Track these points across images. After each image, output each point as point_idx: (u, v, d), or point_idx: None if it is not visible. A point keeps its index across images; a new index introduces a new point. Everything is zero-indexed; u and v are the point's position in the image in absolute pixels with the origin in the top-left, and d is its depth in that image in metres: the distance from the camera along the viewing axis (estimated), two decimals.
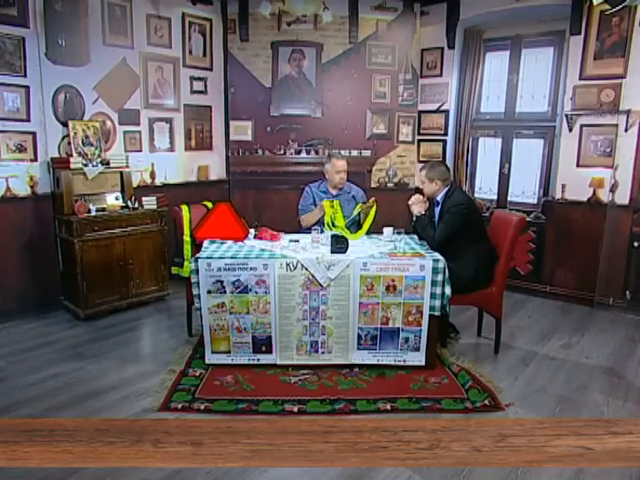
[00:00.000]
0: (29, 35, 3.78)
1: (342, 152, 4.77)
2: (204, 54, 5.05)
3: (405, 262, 2.94)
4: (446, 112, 5.15)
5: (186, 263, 3.42)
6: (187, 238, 3.48)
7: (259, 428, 0.95)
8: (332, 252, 3.01)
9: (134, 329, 3.80)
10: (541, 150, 4.80)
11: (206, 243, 3.28)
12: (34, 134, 3.91)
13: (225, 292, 2.97)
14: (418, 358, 3.05)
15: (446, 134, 5.19)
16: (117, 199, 4.17)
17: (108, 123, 4.37)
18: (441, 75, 5.13)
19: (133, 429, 0.94)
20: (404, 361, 3.05)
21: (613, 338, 3.68)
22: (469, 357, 3.27)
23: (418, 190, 3.85)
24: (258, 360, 3.07)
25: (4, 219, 3.82)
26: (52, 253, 4.08)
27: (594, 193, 4.26)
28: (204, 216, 3.48)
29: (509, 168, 4.97)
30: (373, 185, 5.22)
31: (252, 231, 3.53)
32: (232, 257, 2.97)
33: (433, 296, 2.95)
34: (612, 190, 4.17)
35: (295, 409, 2.63)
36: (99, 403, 2.70)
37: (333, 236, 3.08)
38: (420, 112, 5.27)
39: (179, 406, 2.65)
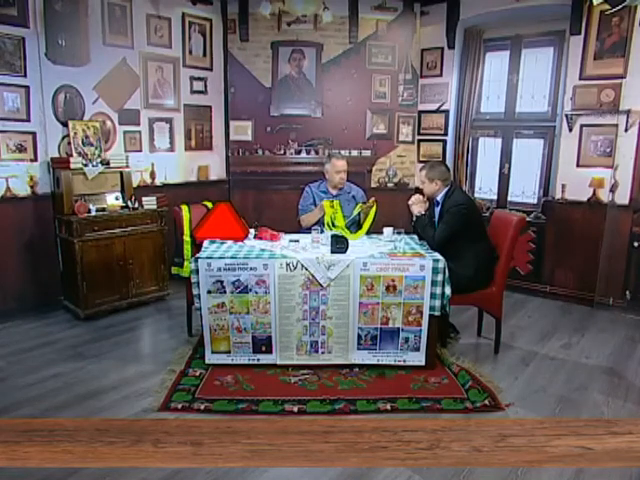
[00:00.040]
0: (29, 35, 3.78)
1: (342, 152, 4.77)
2: (204, 54, 5.05)
3: (405, 262, 2.94)
4: (446, 112, 5.15)
5: (186, 263, 3.42)
6: (187, 238, 3.49)
7: (259, 428, 0.95)
8: (332, 252, 3.01)
9: (134, 329, 3.80)
10: (541, 150, 4.80)
11: (206, 243, 3.29)
12: (34, 134, 3.91)
13: (225, 292, 2.97)
14: (418, 358, 3.05)
15: (446, 134, 5.19)
16: (117, 199, 4.17)
17: (108, 123, 4.37)
18: (441, 75, 5.13)
19: (133, 429, 0.94)
20: (404, 361, 3.06)
21: (613, 338, 3.68)
22: (469, 357, 3.27)
23: (418, 190, 3.85)
24: (258, 360, 3.07)
25: (4, 219, 3.82)
26: (52, 253, 4.08)
27: (594, 193, 4.26)
28: (204, 216, 3.48)
29: (509, 168, 4.97)
30: (373, 185, 5.22)
31: (252, 231, 3.53)
32: (232, 257, 2.97)
33: (433, 296, 2.95)
34: (612, 190, 4.17)
35: (295, 409, 2.63)
36: (99, 403, 2.70)
37: (333, 236, 3.08)
38: (420, 112, 5.27)
39: (179, 406, 2.65)
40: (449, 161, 5.17)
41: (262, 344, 3.05)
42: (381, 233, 3.47)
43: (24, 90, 3.81)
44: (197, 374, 2.99)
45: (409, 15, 5.02)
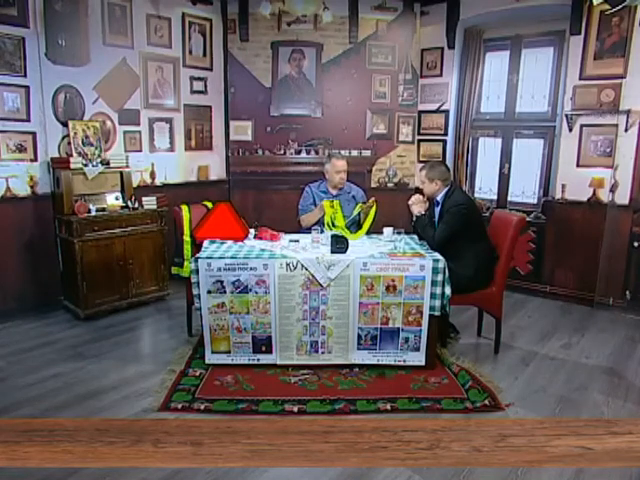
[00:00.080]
0: (29, 35, 3.78)
1: (342, 152, 4.77)
2: (204, 54, 5.05)
3: (405, 262, 2.94)
4: (446, 112, 5.15)
5: (186, 263, 3.42)
6: (187, 238, 3.49)
7: (259, 428, 0.95)
8: (332, 252, 3.01)
9: (134, 329, 3.80)
10: (541, 150, 4.80)
11: (206, 243, 3.29)
12: (34, 134, 3.91)
13: (225, 292, 2.97)
14: (418, 358, 3.05)
15: (446, 134, 5.19)
16: (117, 199, 4.17)
17: (108, 123, 4.37)
18: (441, 75, 5.13)
19: (133, 429, 0.94)
20: (404, 361, 3.05)
21: (613, 338, 3.68)
22: (469, 357, 3.27)
23: (418, 190, 3.85)
24: (258, 360, 3.07)
25: (4, 219, 3.82)
26: (52, 253, 4.08)
27: (594, 193, 4.26)
28: (204, 216, 3.48)
29: (509, 168, 4.97)
30: (373, 185, 5.22)
31: (252, 231, 3.53)
32: (232, 257, 2.97)
33: (433, 296, 2.95)
34: (612, 190, 4.17)
35: (295, 409, 2.63)
36: (99, 403, 2.70)
37: (333, 236, 3.08)
38: (420, 112, 5.27)
39: (179, 406, 2.65)
40: (449, 161, 5.17)
41: (262, 344, 3.05)
42: (381, 233, 3.47)
43: (24, 90, 3.81)
44: (197, 374, 2.99)
45: (409, 15, 5.02)
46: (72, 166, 3.85)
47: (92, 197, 4.01)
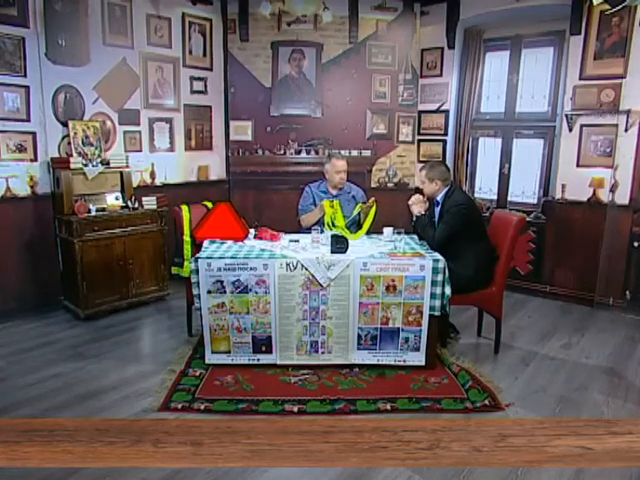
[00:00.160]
0: (29, 35, 3.78)
1: (342, 152, 4.77)
2: (204, 54, 5.05)
3: (405, 262, 2.94)
4: (446, 112, 5.15)
5: (186, 263, 3.42)
6: (187, 238, 3.49)
7: (259, 428, 0.95)
8: (332, 252, 3.01)
9: (134, 329, 3.80)
10: (541, 150, 4.80)
11: (206, 243, 3.29)
12: (34, 134, 3.91)
13: (225, 292, 2.97)
14: (418, 358, 3.05)
15: (446, 134, 5.19)
16: (117, 199, 4.17)
17: (108, 123, 4.37)
18: (441, 75, 5.13)
19: (133, 429, 0.94)
20: (404, 361, 3.05)
21: (613, 338, 3.68)
22: (469, 357, 3.27)
23: (418, 190, 3.85)
24: (258, 360, 3.07)
25: (4, 219, 3.82)
26: (52, 253, 4.08)
27: (594, 193, 4.26)
28: (204, 216, 3.48)
29: (509, 168, 4.97)
30: (373, 185, 5.22)
31: (252, 231, 3.53)
32: (232, 257, 2.97)
33: (433, 296, 2.95)
34: (612, 190, 4.17)
35: (295, 409, 2.63)
36: (99, 403, 2.70)
37: (333, 236, 3.08)
38: (420, 112, 5.27)
39: (179, 406, 2.65)
40: (449, 161, 5.17)
41: (262, 344, 3.05)
42: (381, 233, 3.47)
43: (24, 90, 3.81)
44: (197, 374, 2.99)
45: (409, 15, 5.02)
46: (72, 166, 3.85)
47: (92, 197, 4.01)
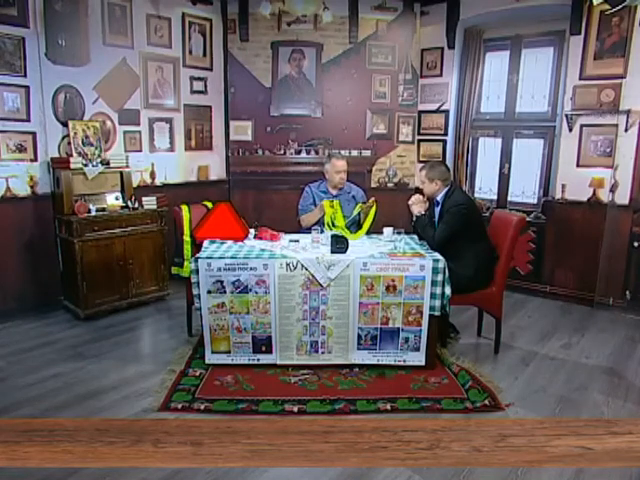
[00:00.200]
0: (29, 35, 3.78)
1: (342, 152, 4.77)
2: (204, 54, 5.05)
3: (405, 262, 2.94)
4: (446, 112, 5.15)
5: (186, 263, 3.42)
6: (187, 238, 3.49)
7: (259, 428, 0.95)
8: (332, 252, 3.01)
9: (134, 329, 3.80)
10: (541, 150, 4.80)
11: (206, 243, 3.29)
12: (34, 134, 3.91)
13: (225, 292, 2.97)
14: (418, 358, 3.05)
15: (446, 134, 5.19)
16: (117, 199, 4.17)
17: (108, 123, 4.37)
18: (441, 75, 5.13)
19: (133, 429, 0.94)
20: (404, 361, 3.05)
21: (613, 338, 3.68)
22: (469, 357, 3.27)
23: (418, 190, 3.85)
24: (258, 360, 3.07)
25: (4, 219, 3.82)
26: (52, 253, 4.08)
27: (594, 193, 4.26)
28: (204, 216, 3.48)
29: (509, 168, 4.97)
30: (373, 185, 5.22)
31: (252, 231, 3.53)
32: (232, 257, 2.97)
33: (433, 296, 2.95)
34: (612, 190, 4.17)
35: (295, 409, 2.63)
36: (99, 403, 2.70)
37: (333, 236, 3.08)
38: (420, 112, 5.27)
39: (179, 406, 2.65)
40: (449, 161, 5.17)
41: (262, 344, 3.05)
42: (381, 233, 3.47)
43: (24, 90, 3.81)
44: (197, 374, 2.99)
45: (409, 15, 5.02)
46: (72, 166, 3.85)
47: (92, 197, 4.01)
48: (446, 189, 3.34)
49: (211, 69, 5.12)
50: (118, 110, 4.43)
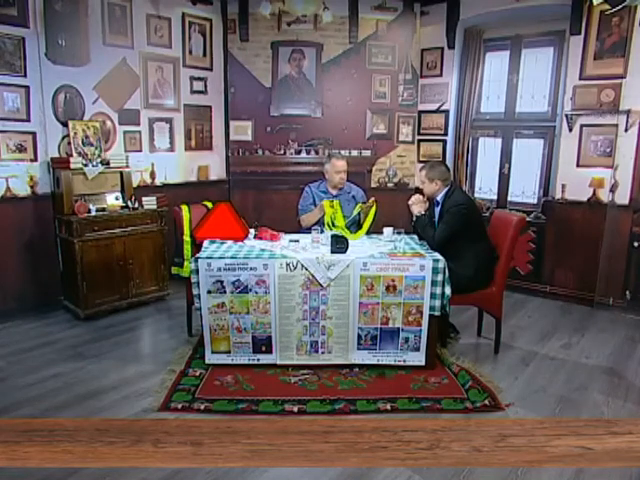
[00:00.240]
0: (29, 35, 3.78)
1: (342, 152, 4.77)
2: (204, 54, 5.05)
3: (405, 262, 2.94)
4: (446, 112, 5.15)
5: (186, 263, 3.42)
6: (187, 238, 3.49)
7: (259, 428, 0.95)
8: (332, 252, 3.01)
9: (134, 329, 3.80)
10: (541, 150, 4.80)
11: (206, 243, 3.29)
12: (34, 134, 3.91)
13: (225, 292, 2.97)
14: (418, 358, 3.05)
15: (446, 134, 5.19)
16: (117, 199, 4.17)
17: (108, 123, 4.37)
18: (441, 75, 5.13)
19: (133, 429, 0.94)
20: (404, 361, 3.05)
21: (613, 338, 3.68)
22: (469, 357, 3.27)
23: (418, 190, 3.85)
24: (258, 360, 3.07)
25: (4, 219, 3.82)
26: (52, 253, 4.08)
27: (594, 193, 4.26)
28: (204, 216, 3.48)
29: (509, 168, 4.97)
30: (373, 185, 5.22)
31: (252, 231, 3.53)
32: (232, 257, 2.97)
33: (433, 296, 2.95)
34: (612, 190, 4.17)
35: (295, 409, 2.63)
36: (99, 403, 2.70)
37: (333, 236, 3.08)
38: (420, 112, 5.27)
39: (179, 406, 2.65)
40: (449, 161, 5.17)
41: (262, 344, 3.05)
42: (381, 233, 3.47)
43: (24, 90, 3.81)
44: (197, 374, 2.99)
45: (409, 15, 5.02)
46: (72, 166, 3.85)
47: (92, 197, 4.01)
48: (446, 189, 3.34)
49: (211, 69, 5.12)
50: (118, 110, 4.43)
